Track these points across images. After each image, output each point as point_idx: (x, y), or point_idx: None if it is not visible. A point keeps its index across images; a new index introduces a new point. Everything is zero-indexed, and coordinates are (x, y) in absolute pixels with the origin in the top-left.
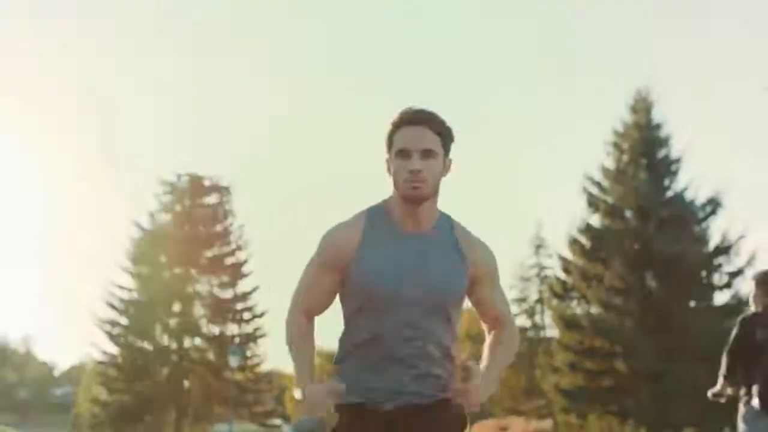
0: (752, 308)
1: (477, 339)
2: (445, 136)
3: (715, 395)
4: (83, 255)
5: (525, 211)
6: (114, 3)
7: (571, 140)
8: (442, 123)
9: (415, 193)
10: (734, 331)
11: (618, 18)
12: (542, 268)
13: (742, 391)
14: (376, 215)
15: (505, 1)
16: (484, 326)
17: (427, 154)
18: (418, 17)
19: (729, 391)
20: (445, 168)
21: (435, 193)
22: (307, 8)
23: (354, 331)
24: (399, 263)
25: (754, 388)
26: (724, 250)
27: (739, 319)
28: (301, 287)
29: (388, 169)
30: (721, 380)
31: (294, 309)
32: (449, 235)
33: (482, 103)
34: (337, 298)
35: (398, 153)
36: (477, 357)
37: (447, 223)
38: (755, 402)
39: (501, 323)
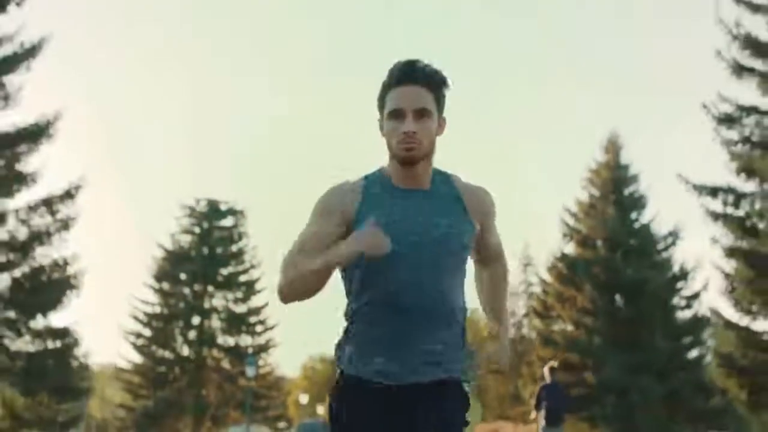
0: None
1: (471, 345)
2: (439, 92)
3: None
4: (111, 274)
5: (515, 228)
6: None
7: (560, 165)
8: (435, 78)
9: (409, 154)
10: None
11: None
12: (529, 284)
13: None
14: (373, 177)
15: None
16: (475, 258)
17: (421, 113)
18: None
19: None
20: (440, 126)
21: (431, 153)
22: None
23: (361, 296)
24: (402, 218)
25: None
26: (683, 276)
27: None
28: (298, 242)
29: (381, 130)
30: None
31: (289, 254)
32: (450, 188)
33: (484, 110)
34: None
35: (391, 113)
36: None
37: (444, 177)
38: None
39: (497, 260)
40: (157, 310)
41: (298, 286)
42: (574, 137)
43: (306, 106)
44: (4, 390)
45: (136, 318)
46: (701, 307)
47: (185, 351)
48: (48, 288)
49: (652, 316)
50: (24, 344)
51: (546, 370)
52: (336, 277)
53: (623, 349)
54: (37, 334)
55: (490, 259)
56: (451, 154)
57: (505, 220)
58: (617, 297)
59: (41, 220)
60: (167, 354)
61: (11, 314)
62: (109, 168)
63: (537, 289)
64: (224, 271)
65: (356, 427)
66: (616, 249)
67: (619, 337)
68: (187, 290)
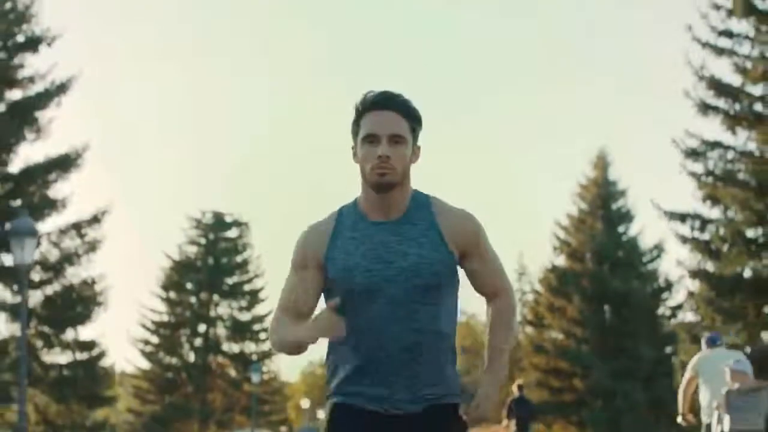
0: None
1: (470, 350)
2: (414, 121)
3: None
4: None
5: (510, 237)
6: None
7: (559, 169)
8: (410, 108)
9: (383, 180)
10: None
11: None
12: (524, 293)
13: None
14: (346, 210)
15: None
16: (483, 298)
17: (395, 139)
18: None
19: None
20: (414, 155)
21: (404, 179)
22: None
23: (346, 328)
24: (371, 252)
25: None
26: (667, 287)
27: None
28: (282, 298)
29: (354, 157)
30: None
31: (277, 312)
32: (425, 213)
33: (480, 118)
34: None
35: (365, 138)
36: (469, 368)
37: (423, 201)
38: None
39: (496, 295)
40: (165, 318)
41: (284, 350)
42: (573, 141)
43: (308, 116)
44: (38, 397)
45: (144, 326)
46: (684, 317)
47: (191, 357)
48: (77, 304)
49: (638, 326)
50: (56, 356)
51: (515, 387)
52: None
53: (610, 357)
54: (68, 347)
55: (487, 294)
56: (451, 163)
57: (501, 228)
58: (605, 307)
59: (71, 243)
60: (174, 360)
61: (44, 328)
62: (122, 188)
63: (530, 297)
64: (229, 281)
65: None
66: (604, 262)
67: (606, 346)
68: (193, 299)
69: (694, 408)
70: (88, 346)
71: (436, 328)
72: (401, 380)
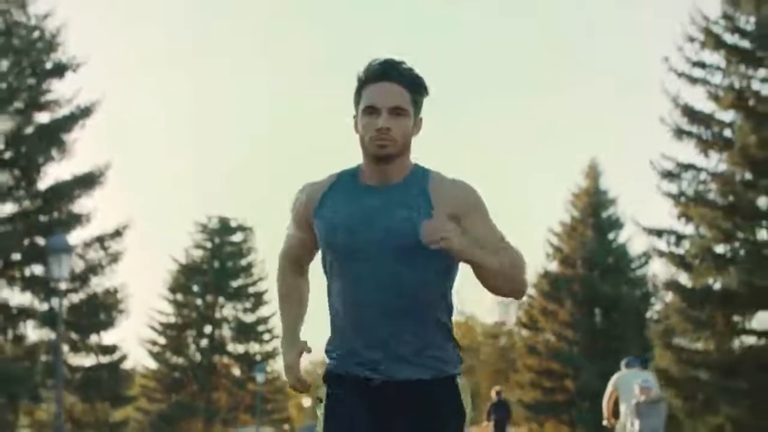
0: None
1: (468, 350)
2: (417, 92)
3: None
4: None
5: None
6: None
7: (558, 169)
8: (413, 78)
9: (381, 151)
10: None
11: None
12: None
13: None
14: (346, 174)
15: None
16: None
17: (396, 111)
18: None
19: None
20: (416, 126)
21: (404, 151)
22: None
23: (332, 291)
24: (357, 212)
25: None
26: (655, 292)
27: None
28: (284, 244)
29: (355, 127)
30: None
31: (280, 257)
32: (420, 181)
33: (478, 112)
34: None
35: (366, 110)
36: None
37: (421, 173)
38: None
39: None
40: (172, 319)
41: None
42: (572, 143)
43: (309, 118)
44: (65, 397)
45: (152, 327)
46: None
47: (197, 358)
48: (100, 311)
49: (626, 329)
50: (81, 359)
51: (494, 392)
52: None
53: (600, 359)
54: (92, 350)
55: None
56: (448, 163)
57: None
58: (595, 311)
59: (95, 255)
60: (181, 361)
61: (71, 333)
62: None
63: (524, 299)
64: (234, 283)
65: (339, 414)
66: (594, 268)
67: (596, 348)
68: (199, 301)
69: (615, 414)
70: (110, 349)
71: (422, 294)
72: (385, 345)
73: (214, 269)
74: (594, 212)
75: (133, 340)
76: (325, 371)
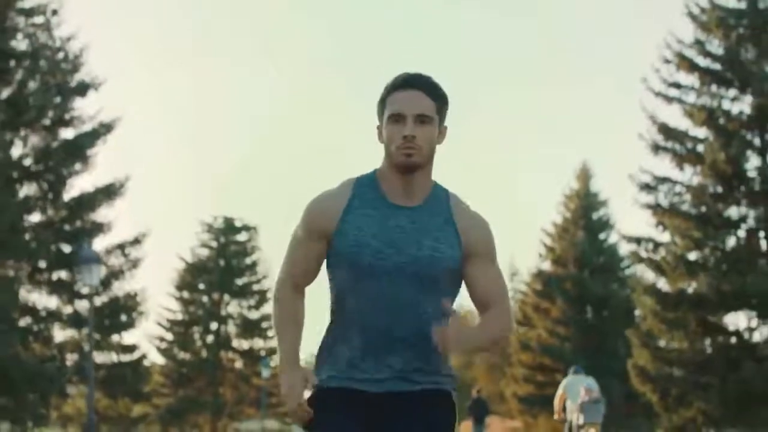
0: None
1: None
2: (441, 101)
3: None
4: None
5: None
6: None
7: (555, 168)
8: (437, 88)
9: (408, 160)
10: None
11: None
12: (516, 292)
13: None
14: (364, 184)
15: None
16: (476, 307)
17: (422, 119)
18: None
19: None
20: (441, 135)
21: (429, 162)
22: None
23: (339, 305)
24: (384, 234)
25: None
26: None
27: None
28: (287, 258)
29: (380, 137)
30: None
31: (281, 283)
32: (444, 207)
33: (478, 112)
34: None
35: (391, 118)
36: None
37: (443, 194)
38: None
39: (495, 306)
40: (179, 316)
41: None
42: (571, 143)
43: (309, 118)
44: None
45: (160, 324)
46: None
47: (204, 353)
48: (122, 313)
49: (616, 326)
50: (105, 357)
51: (474, 391)
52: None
53: (590, 354)
54: (115, 349)
55: (484, 304)
56: (448, 162)
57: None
58: (586, 309)
59: (116, 261)
60: (188, 356)
61: (95, 334)
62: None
63: (518, 296)
64: (239, 281)
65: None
66: (585, 267)
67: (586, 344)
68: (205, 298)
69: (563, 411)
70: (131, 348)
71: (435, 322)
72: (391, 367)
73: (220, 268)
74: (585, 214)
75: (143, 336)
76: (321, 390)
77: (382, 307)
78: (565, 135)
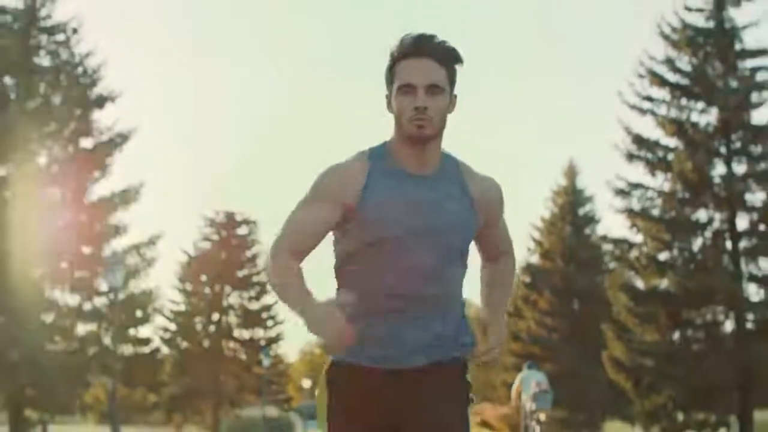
0: None
1: None
2: (451, 67)
3: None
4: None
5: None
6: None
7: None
8: (450, 53)
9: (420, 132)
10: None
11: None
12: None
13: None
14: (378, 157)
15: None
16: (481, 256)
17: (433, 89)
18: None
19: None
20: (452, 104)
21: (441, 131)
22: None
23: (356, 278)
24: (411, 205)
25: None
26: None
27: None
28: (289, 227)
29: (389, 106)
30: None
31: (280, 250)
32: (456, 175)
33: (479, 93)
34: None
35: (401, 88)
36: None
37: (452, 162)
38: None
39: (500, 257)
40: (182, 307)
41: (280, 297)
42: (570, 140)
43: (307, 113)
44: (109, 384)
45: (163, 314)
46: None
47: (206, 343)
48: (138, 309)
49: (600, 318)
50: (123, 350)
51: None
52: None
53: (576, 344)
54: (131, 342)
55: (491, 256)
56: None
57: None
58: (573, 301)
59: (131, 260)
60: (190, 346)
61: (113, 328)
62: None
63: None
64: (240, 274)
65: (351, 412)
66: (571, 261)
67: (573, 334)
68: (207, 290)
69: (519, 401)
70: (146, 342)
71: (457, 290)
72: (415, 335)
73: (221, 260)
74: (572, 210)
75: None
76: (331, 362)
77: (407, 278)
78: (555, 132)
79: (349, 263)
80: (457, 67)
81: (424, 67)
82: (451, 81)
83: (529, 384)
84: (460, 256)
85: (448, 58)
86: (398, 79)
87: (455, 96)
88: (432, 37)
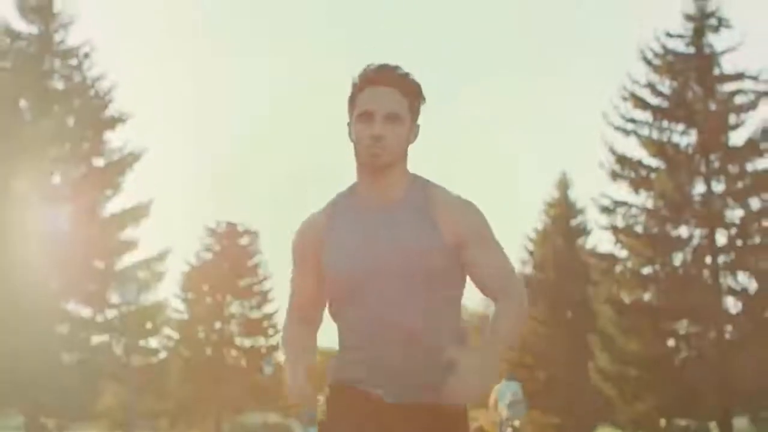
0: None
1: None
2: (414, 98)
3: None
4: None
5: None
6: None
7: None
8: (410, 83)
9: (374, 161)
10: None
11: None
12: None
13: None
14: (343, 195)
15: None
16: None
17: (391, 118)
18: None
19: None
20: (413, 134)
21: (400, 160)
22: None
23: (340, 325)
24: (359, 243)
25: None
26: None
27: None
28: (290, 294)
29: (350, 135)
30: None
31: (287, 317)
32: (421, 200)
33: (475, 96)
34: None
35: (360, 116)
36: None
37: (420, 188)
38: None
39: (501, 295)
40: (184, 316)
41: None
42: (568, 138)
43: (307, 116)
44: (119, 390)
45: (168, 324)
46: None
47: (208, 351)
48: (148, 321)
49: (592, 327)
50: (134, 360)
51: None
52: None
53: (568, 353)
54: (142, 352)
55: (492, 292)
56: (440, 154)
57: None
58: (565, 311)
59: (142, 274)
60: (193, 354)
61: (124, 339)
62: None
63: None
64: (241, 283)
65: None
66: (563, 272)
67: (565, 344)
68: (209, 299)
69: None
70: (154, 352)
71: (431, 323)
72: (394, 376)
73: (223, 270)
74: (564, 221)
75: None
76: (329, 388)
77: (371, 317)
78: (548, 144)
79: (334, 312)
80: (420, 100)
81: (385, 96)
82: (413, 111)
83: (505, 395)
84: (431, 287)
85: (409, 88)
86: (358, 107)
87: (418, 126)
88: (396, 67)
